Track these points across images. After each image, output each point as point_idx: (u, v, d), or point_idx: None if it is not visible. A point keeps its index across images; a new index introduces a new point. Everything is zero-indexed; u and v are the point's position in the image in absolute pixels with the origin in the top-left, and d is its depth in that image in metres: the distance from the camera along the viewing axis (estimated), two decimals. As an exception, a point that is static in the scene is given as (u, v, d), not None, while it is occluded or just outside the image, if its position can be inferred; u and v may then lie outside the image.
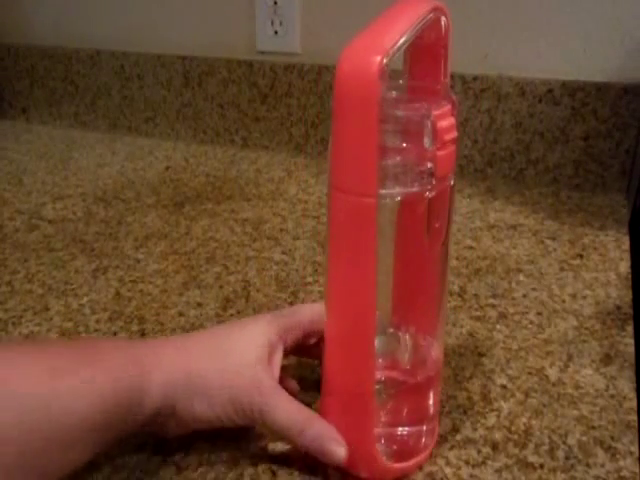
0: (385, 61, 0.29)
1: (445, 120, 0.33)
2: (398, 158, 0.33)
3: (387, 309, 0.40)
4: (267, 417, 0.37)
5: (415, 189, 0.34)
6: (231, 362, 0.38)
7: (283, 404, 0.37)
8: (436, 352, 0.40)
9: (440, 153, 0.33)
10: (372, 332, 0.34)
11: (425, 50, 0.36)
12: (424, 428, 0.39)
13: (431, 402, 0.40)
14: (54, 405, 0.32)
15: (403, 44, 0.31)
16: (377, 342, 0.35)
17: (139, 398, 0.35)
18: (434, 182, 0.34)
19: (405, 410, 0.40)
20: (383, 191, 0.32)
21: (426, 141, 0.33)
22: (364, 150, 0.31)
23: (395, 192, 0.34)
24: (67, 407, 0.32)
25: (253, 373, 0.38)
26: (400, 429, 0.39)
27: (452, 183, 0.35)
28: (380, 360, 0.39)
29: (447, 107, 0.33)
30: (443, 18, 0.35)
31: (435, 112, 0.32)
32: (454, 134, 0.33)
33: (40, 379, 0.32)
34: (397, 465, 0.38)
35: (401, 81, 0.38)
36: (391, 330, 0.41)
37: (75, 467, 0.34)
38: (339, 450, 0.36)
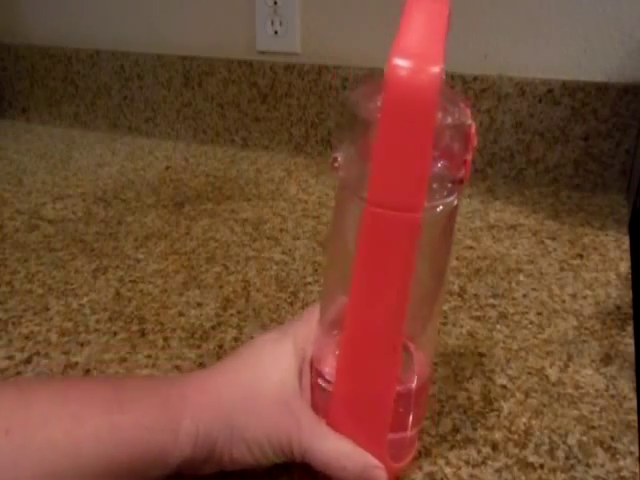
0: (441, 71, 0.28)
1: (474, 125, 0.32)
2: (440, 167, 0.32)
3: None
4: (308, 456, 0.36)
5: (451, 198, 0.32)
6: (264, 401, 0.36)
7: (322, 440, 0.36)
8: (421, 364, 0.38)
9: (468, 158, 0.32)
10: (398, 341, 0.33)
11: None
12: (407, 435, 0.38)
13: (410, 414, 0.38)
14: (77, 452, 0.31)
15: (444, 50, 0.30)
16: None
17: (169, 448, 0.34)
18: (462, 188, 0.33)
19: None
20: (428, 204, 0.31)
21: (460, 147, 0.32)
22: (419, 163, 0.29)
23: (438, 204, 0.32)
24: (91, 454, 0.31)
25: (289, 410, 0.36)
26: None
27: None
28: None
29: (468, 111, 0.32)
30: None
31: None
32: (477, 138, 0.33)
33: (60, 428, 0.31)
34: (397, 465, 0.38)
35: None
36: None
37: None
38: (382, 476, 0.36)
